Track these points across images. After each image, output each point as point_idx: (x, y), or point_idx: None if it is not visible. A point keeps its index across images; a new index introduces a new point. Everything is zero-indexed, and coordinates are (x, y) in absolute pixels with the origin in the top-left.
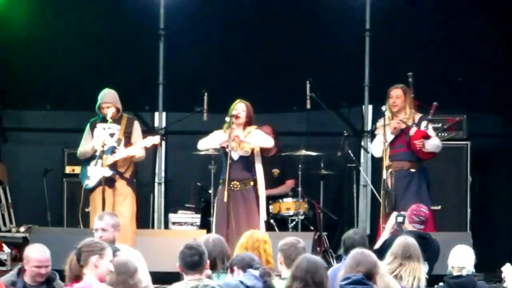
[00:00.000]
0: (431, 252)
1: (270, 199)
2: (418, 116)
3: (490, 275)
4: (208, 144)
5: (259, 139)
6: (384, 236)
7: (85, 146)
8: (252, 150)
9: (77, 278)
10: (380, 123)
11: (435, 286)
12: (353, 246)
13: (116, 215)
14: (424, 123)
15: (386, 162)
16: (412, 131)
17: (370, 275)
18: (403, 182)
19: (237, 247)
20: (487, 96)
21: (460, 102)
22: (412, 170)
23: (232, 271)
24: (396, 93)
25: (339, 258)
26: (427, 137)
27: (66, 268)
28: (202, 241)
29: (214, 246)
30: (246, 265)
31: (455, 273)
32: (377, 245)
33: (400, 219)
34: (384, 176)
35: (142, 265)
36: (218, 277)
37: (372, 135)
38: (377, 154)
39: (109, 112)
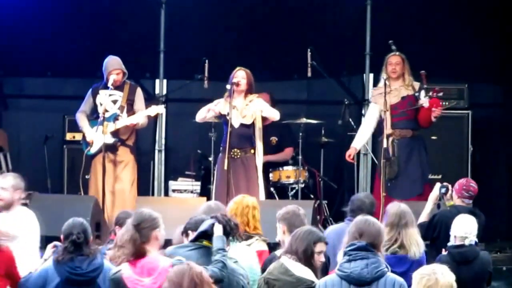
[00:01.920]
0: (480, 226)
1: (270, 167)
2: (417, 84)
3: (490, 245)
4: (202, 114)
5: (269, 110)
6: (428, 208)
7: (83, 121)
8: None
9: (141, 254)
10: (377, 91)
11: (438, 255)
12: (361, 209)
13: (20, 177)
14: (422, 93)
15: (387, 130)
16: (425, 99)
17: (374, 245)
18: (406, 151)
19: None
20: (489, 66)
21: (461, 72)
22: (414, 138)
23: (187, 235)
24: (396, 60)
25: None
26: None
27: (128, 246)
28: (203, 208)
29: (215, 212)
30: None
31: (458, 243)
32: (422, 218)
33: (443, 190)
34: (385, 145)
35: (34, 228)
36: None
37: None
38: (367, 128)
39: (111, 78)
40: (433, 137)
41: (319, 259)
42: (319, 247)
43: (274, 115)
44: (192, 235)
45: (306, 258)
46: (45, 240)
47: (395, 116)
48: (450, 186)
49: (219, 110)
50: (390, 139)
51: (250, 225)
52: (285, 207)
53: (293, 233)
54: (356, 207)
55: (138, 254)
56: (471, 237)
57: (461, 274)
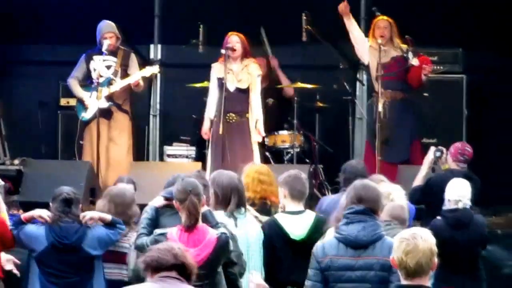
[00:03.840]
0: (475, 190)
1: (266, 131)
2: (405, 46)
3: (485, 209)
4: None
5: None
6: (423, 171)
7: (76, 87)
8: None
9: (197, 221)
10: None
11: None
12: (355, 177)
13: None
14: (410, 54)
15: (380, 93)
16: (414, 59)
17: (372, 209)
18: (396, 114)
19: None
20: (484, 30)
21: (455, 36)
22: (404, 101)
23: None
24: (384, 24)
25: (335, 190)
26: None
27: (185, 214)
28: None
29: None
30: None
31: (452, 206)
32: (417, 181)
33: (438, 154)
34: (380, 109)
35: None
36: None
37: (368, 68)
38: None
39: (106, 43)
40: (425, 94)
41: None
42: None
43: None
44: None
45: None
46: (42, 206)
47: (385, 75)
48: (444, 150)
49: (216, 75)
50: (382, 101)
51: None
52: (286, 171)
53: None
54: (350, 175)
55: (195, 220)
56: (465, 201)
57: (456, 238)
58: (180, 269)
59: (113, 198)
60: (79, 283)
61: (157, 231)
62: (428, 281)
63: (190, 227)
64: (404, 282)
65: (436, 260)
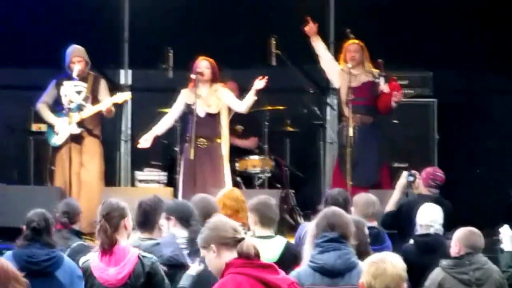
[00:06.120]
0: (446, 215)
1: (236, 156)
2: (376, 71)
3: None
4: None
5: (235, 103)
6: (395, 196)
7: (46, 112)
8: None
9: (111, 244)
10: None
11: (404, 244)
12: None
13: None
14: (382, 79)
15: (350, 117)
16: (385, 85)
17: (345, 236)
18: (365, 138)
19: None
20: (452, 53)
21: (426, 59)
22: (373, 125)
23: (168, 219)
24: (354, 48)
25: (306, 216)
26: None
27: (100, 237)
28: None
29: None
30: (184, 219)
31: (423, 231)
32: (389, 207)
33: (411, 179)
34: (351, 133)
35: None
36: None
37: (338, 92)
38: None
39: (76, 68)
40: (394, 121)
41: None
42: None
43: (240, 109)
44: (174, 220)
45: None
46: (14, 232)
47: (355, 100)
48: (417, 174)
49: (184, 100)
50: (352, 126)
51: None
52: (256, 197)
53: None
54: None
55: (108, 243)
56: (436, 226)
57: (426, 263)
58: None
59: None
60: None
61: (82, 259)
62: None
63: (106, 250)
64: None
65: (405, 286)
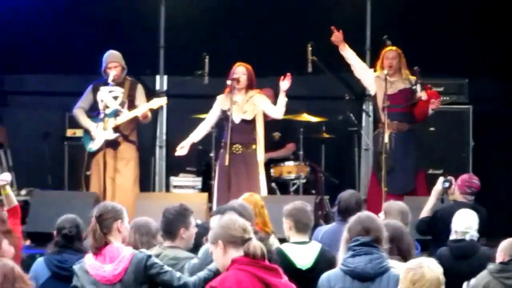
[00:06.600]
0: (481, 222)
1: (272, 162)
2: (413, 78)
3: (492, 240)
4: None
5: (271, 109)
6: (430, 202)
7: (82, 117)
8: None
9: (104, 245)
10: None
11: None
12: (347, 210)
13: None
14: (418, 86)
15: (386, 124)
16: (422, 92)
17: (378, 240)
18: (401, 145)
19: None
20: (489, 60)
21: (461, 66)
22: (410, 132)
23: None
24: (392, 55)
25: None
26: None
27: (90, 238)
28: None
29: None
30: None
31: (458, 237)
32: (424, 213)
33: (446, 185)
34: (386, 140)
35: None
36: None
37: (374, 98)
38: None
39: (111, 74)
40: (431, 128)
41: None
42: None
43: (276, 114)
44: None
45: None
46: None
47: (392, 107)
48: (453, 180)
49: (220, 106)
50: (388, 133)
51: (268, 224)
52: (291, 203)
53: None
54: (343, 208)
55: (99, 244)
56: (472, 232)
57: (459, 269)
58: None
59: (138, 228)
60: None
61: (76, 265)
62: None
63: (97, 250)
64: None
65: None
